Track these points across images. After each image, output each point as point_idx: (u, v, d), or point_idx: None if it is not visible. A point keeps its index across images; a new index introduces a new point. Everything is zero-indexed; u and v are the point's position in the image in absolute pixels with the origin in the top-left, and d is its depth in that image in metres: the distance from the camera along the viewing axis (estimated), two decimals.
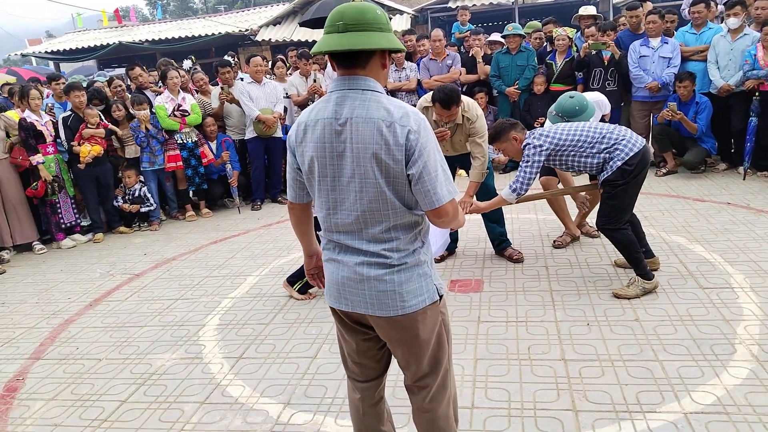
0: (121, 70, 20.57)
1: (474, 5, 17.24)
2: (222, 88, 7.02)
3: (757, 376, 2.73)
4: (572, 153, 3.70)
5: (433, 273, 1.91)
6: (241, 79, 7.33)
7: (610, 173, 3.58)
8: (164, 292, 4.59)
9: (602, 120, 4.59)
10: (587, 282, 3.98)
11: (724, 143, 6.66)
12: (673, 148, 6.65)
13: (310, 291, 4.17)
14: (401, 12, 17.63)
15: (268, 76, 7.44)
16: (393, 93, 7.84)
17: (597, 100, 4.56)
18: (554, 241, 4.75)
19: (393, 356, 2.02)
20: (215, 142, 7.01)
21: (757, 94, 5.94)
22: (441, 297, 1.93)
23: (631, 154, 3.53)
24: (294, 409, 2.82)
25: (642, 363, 2.93)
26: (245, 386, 3.06)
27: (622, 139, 3.58)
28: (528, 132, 3.87)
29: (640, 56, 6.66)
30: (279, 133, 7.08)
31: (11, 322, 4.30)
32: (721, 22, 6.67)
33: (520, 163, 3.79)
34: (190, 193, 7.14)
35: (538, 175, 4.04)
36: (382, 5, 16.07)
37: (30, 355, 3.73)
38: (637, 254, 3.70)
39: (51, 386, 3.29)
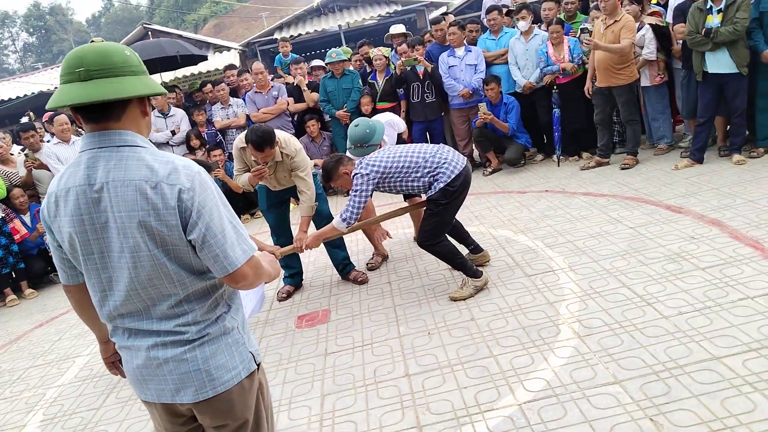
0: None
1: (300, 34, 17.48)
2: (27, 155, 6.40)
3: (579, 352, 2.91)
4: (398, 178, 3.78)
5: (247, 338, 1.70)
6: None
7: (434, 193, 3.71)
8: None
9: (400, 139, 4.82)
10: (427, 291, 4.07)
11: (538, 136, 7.22)
12: (494, 147, 7.08)
13: None
14: (228, 48, 17.39)
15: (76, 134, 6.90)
16: (223, 131, 7.65)
17: (389, 121, 4.78)
18: (367, 264, 4.82)
19: None
20: (28, 213, 6.35)
21: (555, 87, 6.51)
22: (259, 365, 1.73)
23: (453, 176, 3.68)
24: None
25: (479, 362, 3.02)
26: None
27: (444, 162, 3.72)
28: (357, 162, 3.91)
29: (449, 66, 7.04)
30: None
31: None
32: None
33: (350, 192, 3.81)
34: (13, 274, 6.38)
35: None
36: (207, 44, 15.76)
37: None
38: (460, 260, 3.86)
39: None
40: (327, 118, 7.90)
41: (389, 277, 4.51)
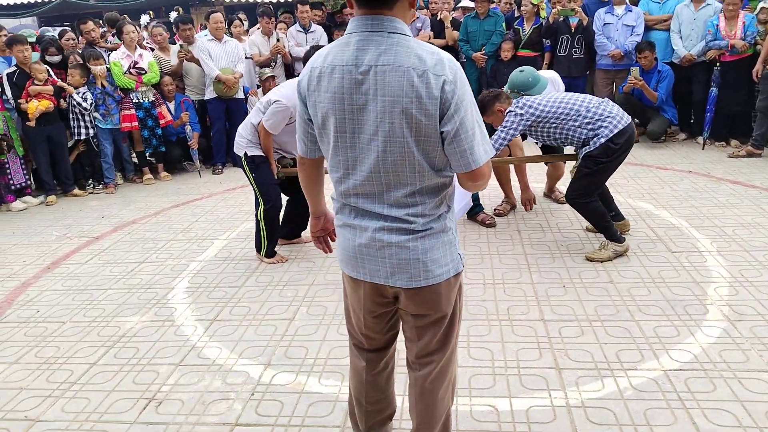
0: (66, 29, 19.51)
1: None
2: (181, 46, 6.71)
3: (729, 335, 2.82)
4: (554, 125, 3.64)
5: (458, 241, 1.76)
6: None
7: (593, 149, 3.55)
8: (126, 255, 4.41)
9: None
10: (560, 246, 4.02)
11: (685, 113, 6.82)
12: (636, 117, 6.75)
13: (282, 255, 4.07)
14: None
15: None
16: None
17: (552, 78, 4.62)
18: (494, 210, 4.75)
19: (403, 327, 1.88)
20: (174, 102, 6.72)
21: (717, 64, 6.07)
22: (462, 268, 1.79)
23: (616, 131, 3.49)
24: (275, 369, 2.75)
25: (619, 323, 2.99)
26: (222, 348, 2.97)
27: (608, 116, 3.53)
28: (514, 100, 3.82)
29: (605, 24, 6.72)
30: (240, 94, 6.84)
31: None
32: None
33: (499, 127, 3.75)
34: (147, 155, 6.84)
35: None
36: None
37: None
38: (606, 223, 3.75)
39: (12, 350, 3.11)
40: (462, 58, 7.76)
41: (518, 226, 4.49)
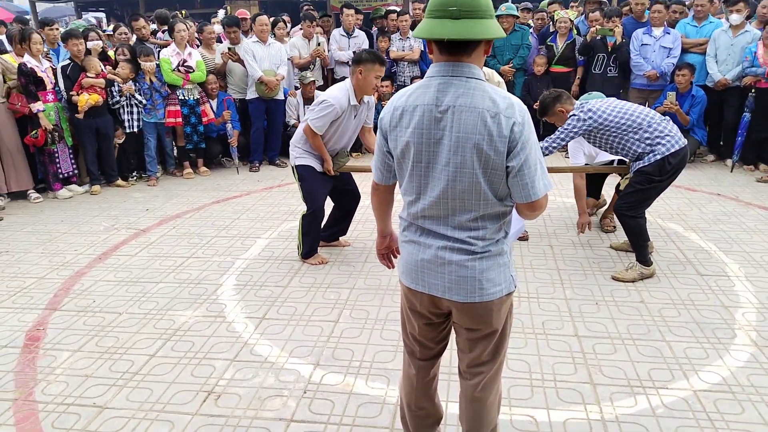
0: (99, 15, 19.98)
1: None
2: (229, 48, 6.92)
3: (757, 360, 2.95)
4: (614, 134, 3.74)
5: (511, 264, 1.93)
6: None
7: (647, 165, 3.68)
8: (174, 249, 4.62)
9: None
10: (591, 263, 4.16)
11: (714, 135, 6.91)
12: None
13: (322, 257, 4.25)
14: None
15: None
16: (395, 62, 7.85)
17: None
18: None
19: (456, 339, 2.06)
20: (216, 100, 6.94)
21: (753, 90, 6.16)
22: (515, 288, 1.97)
23: (673, 150, 3.63)
24: (324, 370, 2.93)
25: (651, 342, 3.13)
26: (273, 346, 3.16)
27: (667, 135, 3.67)
28: (577, 103, 3.92)
29: (642, 44, 6.80)
30: (280, 95, 7.05)
31: (19, 272, 4.29)
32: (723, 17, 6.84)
33: (560, 127, 3.87)
34: (187, 150, 7.05)
35: None
36: None
37: (45, 305, 3.74)
38: (643, 242, 3.87)
39: (74, 338, 3.32)
40: None
41: (550, 240, 4.63)
